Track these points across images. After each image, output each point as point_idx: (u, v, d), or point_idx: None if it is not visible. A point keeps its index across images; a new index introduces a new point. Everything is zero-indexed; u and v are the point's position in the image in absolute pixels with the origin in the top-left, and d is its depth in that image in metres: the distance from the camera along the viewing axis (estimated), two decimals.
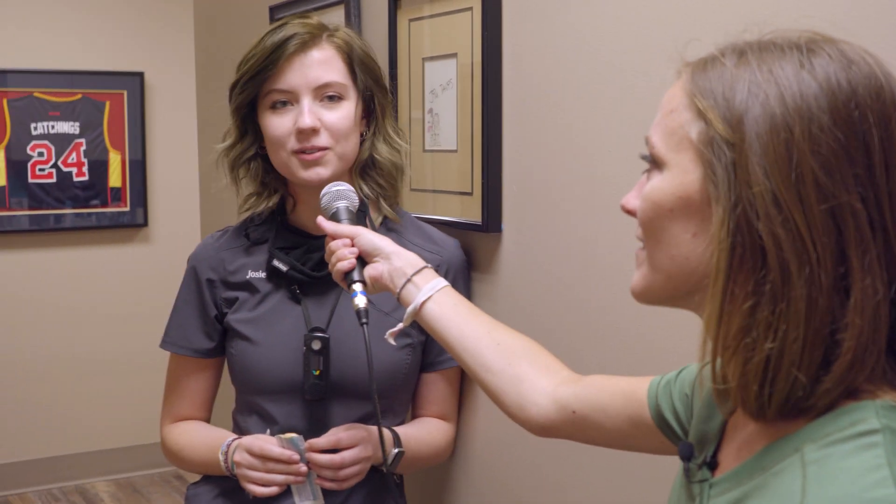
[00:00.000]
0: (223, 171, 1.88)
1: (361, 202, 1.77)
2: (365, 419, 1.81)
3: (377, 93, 1.84)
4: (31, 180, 4.92)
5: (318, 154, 1.76)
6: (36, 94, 4.90)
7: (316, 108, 1.76)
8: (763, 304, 0.82)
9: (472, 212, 1.93)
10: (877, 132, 0.82)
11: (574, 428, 1.30)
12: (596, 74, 1.65)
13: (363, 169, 1.85)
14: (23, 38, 4.92)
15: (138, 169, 5.14)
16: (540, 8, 1.77)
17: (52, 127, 4.95)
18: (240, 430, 1.89)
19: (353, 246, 1.54)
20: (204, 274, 1.90)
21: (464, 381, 1.98)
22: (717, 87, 0.87)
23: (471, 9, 1.90)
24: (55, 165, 4.96)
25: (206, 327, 1.90)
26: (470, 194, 1.94)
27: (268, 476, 1.75)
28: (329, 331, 1.80)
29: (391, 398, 1.87)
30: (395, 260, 1.49)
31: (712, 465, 0.99)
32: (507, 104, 1.86)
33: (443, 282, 1.45)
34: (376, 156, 1.84)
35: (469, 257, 1.96)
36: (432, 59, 2.05)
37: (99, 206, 5.08)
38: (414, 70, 2.11)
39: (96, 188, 5.06)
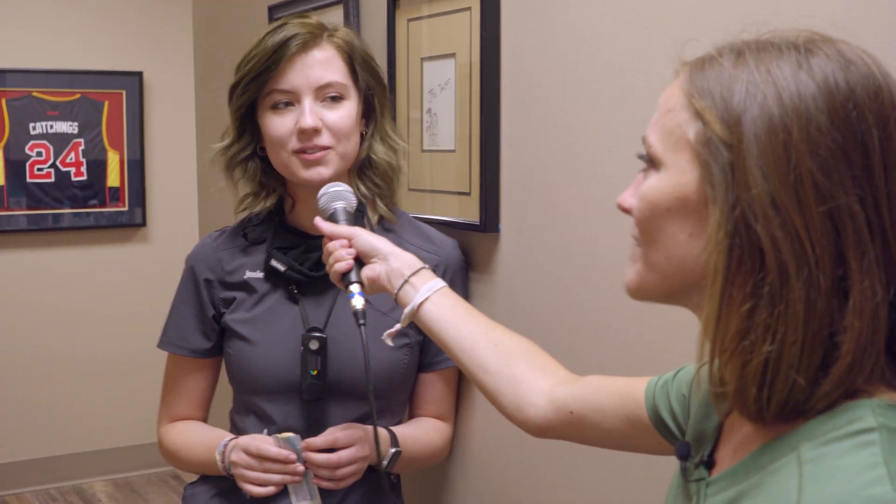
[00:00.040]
0: (220, 172, 1.88)
1: (360, 202, 1.77)
2: (362, 419, 1.81)
3: (377, 92, 1.84)
4: (29, 180, 4.92)
5: (319, 154, 1.76)
6: (34, 94, 4.90)
7: (317, 109, 1.76)
8: (761, 307, 0.82)
9: (470, 212, 1.93)
10: (875, 132, 0.82)
11: (571, 428, 1.30)
12: (594, 74, 1.65)
13: (361, 169, 1.85)
14: (21, 38, 4.92)
15: (137, 169, 5.14)
16: (539, 8, 1.77)
17: (51, 126, 4.95)
18: (237, 430, 1.89)
19: (350, 247, 1.54)
20: (202, 274, 1.89)
21: (461, 382, 1.98)
22: (714, 88, 0.86)
23: (469, 9, 1.90)
24: (53, 165, 4.96)
25: (204, 327, 1.90)
26: (468, 194, 1.94)
27: (265, 476, 1.75)
28: (327, 331, 1.80)
29: (389, 398, 1.87)
30: (393, 261, 1.49)
31: (709, 464, 0.99)
32: (506, 104, 1.86)
33: (440, 282, 1.45)
34: (373, 155, 1.84)
35: (467, 257, 1.96)
36: (431, 58, 2.05)
37: (97, 206, 5.07)
38: (412, 70, 2.11)
39: (95, 188, 5.05)
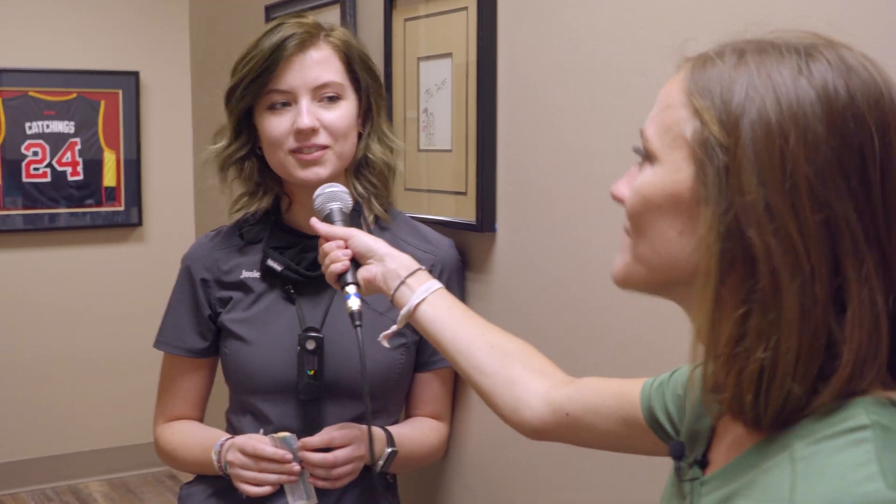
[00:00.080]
0: (212, 172, 1.87)
1: (356, 202, 1.77)
2: (359, 419, 1.81)
3: (373, 92, 1.84)
4: (25, 179, 4.91)
5: (317, 154, 1.76)
6: (31, 94, 4.89)
7: (314, 109, 1.76)
8: (754, 313, 0.82)
9: (466, 211, 1.93)
10: (875, 142, 0.81)
11: (567, 430, 1.30)
12: (591, 74, 1.65)
13: (357, 168, 1.85)
14: (18, 38, 4.91)
15: (133, 168, 5.13)
16: (535, 8, 1.77)
17: (47, 126, 4.94)
18: (233, 430, 1.89)
19: (346, 248, 1.54)
20: (198, 273, 1.89)
21: (458, 381, 1.98)
22: (714, 88, 0.86)
23: (466, 9, 1.90)
24: (50, 165, 4.95)
25: (200, 327, 1.90)
26: (464, 194, 1.94)
27: (261, 475, 1.75)
28: (323, 331, 1.80)
29: (385, 398, 1.87)
30: (389, 262, 1.49)
31: (703, 463, 0.99)
32: (502, 104, 1.86)
33: (437, 284, 1.45)
34: (370, 155, 1.84)
35: (463, 257, 1.96)
36: (427, 58, 2.05)
37: (93, 206, 5.07)
38: (409, 69, 2.11)
39: (91, 187, 5.04)
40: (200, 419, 1.99)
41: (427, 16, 2.04)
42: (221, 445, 1.82)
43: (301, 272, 1.81)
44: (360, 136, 1.84)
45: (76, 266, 5.08)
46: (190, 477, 1.97)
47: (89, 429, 5.13)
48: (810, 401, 0.82)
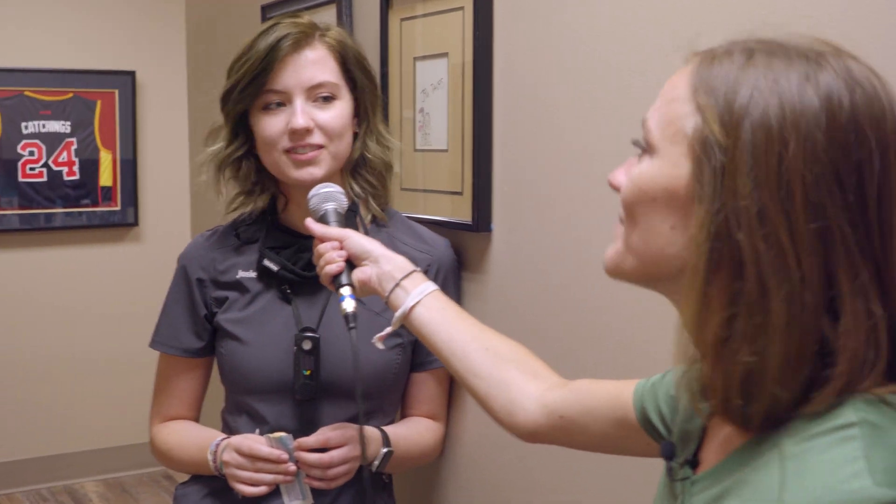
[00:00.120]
0: (207, 171, 1.87)
1: (352, 202, 1.77)
2: (355, 419, 1.81)
3: (369, 92, 1.84)
4: (21, 179, 4.90)
5: (311, 154, 1.76)
6: (27, 93, 4.88)
7: (309, 109, 1.76)
8: (741, 315, 0.82)
9: (462, 211, 1.93)
10: (874, 158, 0.81)
11: (562, 433, 1.29)
12: (587, 74, 1.65)
13: (354, 168, 1.85)
14: (14, 37, 4.90)
15: (129, 168, 5.12)
16: (531, 8, 1.77)
17: (43, 126, 4.93)
18: (229, 430, 1.88)
19: (341, 249, 1.53)
20: (194, 273, 1.89)
21: (453, 381, 1.98)
22: (720, 86, 0.85)
23: (462, 8, 1.90)
24: (46, 164, 4.94)
25: (196, 327, 1.90)
26: (460, 194, 1.94)
27: (257, 475, 1.75)
28: (319, 331, 1.80)
29: (381, 398, 1.87)
30: (384, 263, 1.48)
31: (694, 463, 0.99)
32: (498, 104, 1.86)
33: (432, 286, 1.45)
34: (368, 155, 1.84)
35: (459, 257, 1.96)
36: (423, 58, 2.05)
37: (89, 206, 5.06)
38: (405, 69, 2.11)
39: (87, 187, 5.04)
40: (196, 419, 1.98)
41: (423, 15, 2.04)
42: (217, 445, 1.82)
43: (297, 272, 1.81)
44: (355, 135, 1.84)
45: (72, 266, 5.08)
46: (185, 477, 1.97)
47: (85, 429, 5.12)
48: (802, 405, 0.82)
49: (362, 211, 1.86)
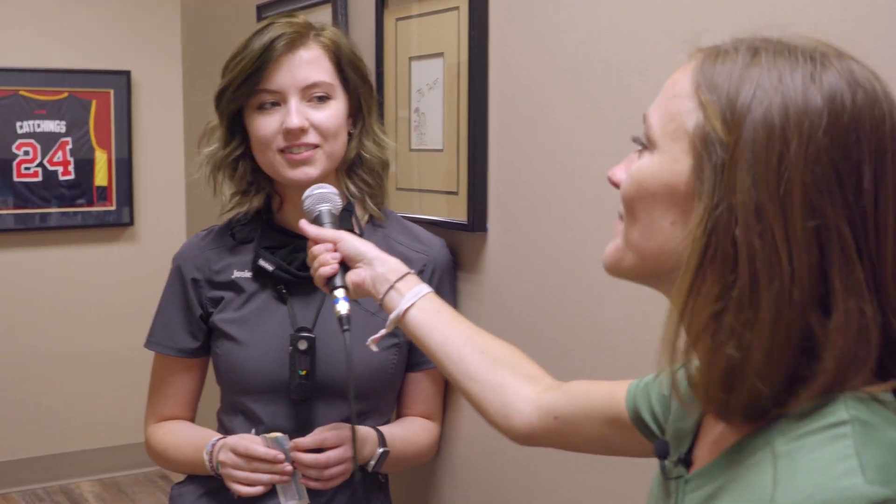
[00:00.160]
0: (202, 172, 1.87)
1: (347, 202, 1.77)
2: (350, 419, 1.81)
3: (364, 91, 1.84)
4: (16, 179, 4.90)
5: (306, 154, 1.75)
6: (22, 93, 4.88)
7: (303, 108, 1.76)
8: (730, 310, 0.82)
9: (457, 211, 1.93)
10: (871, 163, 0.81)
11: (556, 435, 1.29)
12: (583, 74, 1.65)
13: (350, 167, 1.85)
14: (9, 37, 4.90)
15: (124, 168, 5.12)
16: (527, 8, 1.77)
17: (38, 125, 4.93)
18: (225, 430, 1.88)
19: (335, 251, 1.53)
20: (189, 273, 1.89)
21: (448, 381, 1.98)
22: (723, 83, 0.86)
23: (457, 8, 1.90)
24: (41, 164, 4.94)
25: (191, 327, 1.90)
26: (456, 194, 1.94)
27: (253, 476, 1.75)
28: (315, 331, 1.80)
29: (377, 398, 1.87)
30: (378, 266, 1.47)
31: (687, 461, 0.99)
32: (493, 104, 1.86)
33: (426, 288, 1.44)
34: (364, 154, 1.84)
35: (455, 257, 1.96)
36: (419, 58, 2.05)
37: (85, 205, 5.06)
38: (400, 69, 2.11)
39: (82, 187, 5.04)
40: (192, 419, 1.98)
41: (419, 15, 2.04)
42: (213, 445, 1.82)
43: (293, 272, 1.81)
44: (350, 135, 1.84)
45: (67, 266, 5.08)
46: (181, 477, 1.97)
47: (81, 428, 5.12)
48: (786, 401, 0.82)
49: (358, 211, 1.86)
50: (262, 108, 1.77)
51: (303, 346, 1.77)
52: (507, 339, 1.71)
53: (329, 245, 1.53)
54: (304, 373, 1.78)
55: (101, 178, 5.08)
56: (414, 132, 2.07)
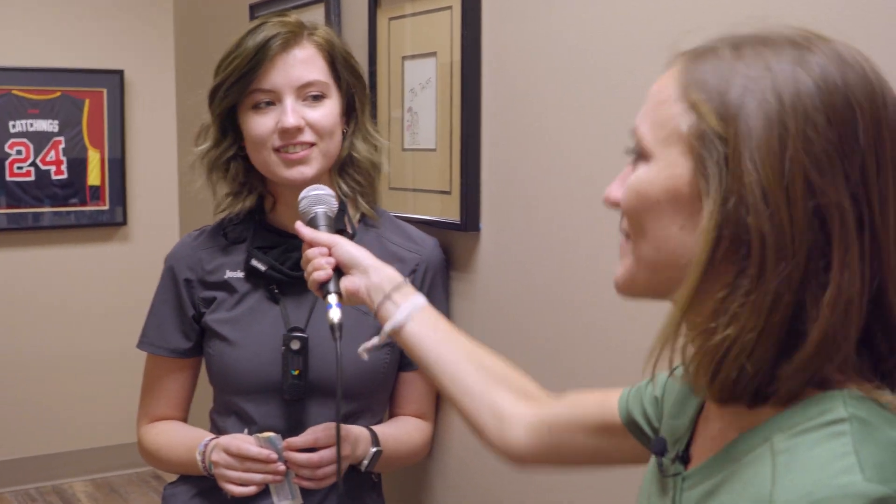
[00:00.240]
0: (199, 173, 1.86)
1: (340, 201, 1.77)
2: (344, 419, 1.81)
3: (357, 91, 1.84)
4: (8, 178, 4.89)
5: (302, 153, 1.75)
6: (14, 92, 4.87)
7: (299, 108, 1.76)
8: (737, 296, 0.82)
9: (450, 211, 1.93)
10: (869, 133, 0.82)
11: (550, 450, 1.27)
12: (576, 74, 1.65)
13: (342, 167, 1.85)
14: (1, 36, 4.89)
15: (117, 167, 5.12)
16: (519, 8, 1.77)
17: (31, 125, 4.92)
18: (217, 430, 1.88)
19: (329, 255, 1.50)
20: (181, 273, 1.89)
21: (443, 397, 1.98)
22: (711, 81, 0.86)
23: (450, 8, 1.90)
24: (33, 163, 4.93)
25: (184, 327, 1.89)
26: (448, 193, 1.94)
27: (246, 475, 1.75)
28: (308, 331, 1.79)
29: (370, 397, 1.86)
30: (373, 275, 1.45)
31: (685, 459, 0.99)
32: (486, 103, 1.86)
33: (421, 299, 1.42)
34: (354, 153, 1.84)
35: (448, 256, 1.97)
36: (412, 57, 2.05)
37: (78, 205, 5.05)
38: (393, 69, 2.11)
39: (75, 186, 5.03)
40: (184, 419, 1.98)
41: (411, 15, 2.04)
42: (206, 445, 1.81)
43: (285, 272, 1.81)
44: (343, 134, 1.84)
45: (60, 265, 5.07)
46: (174, 477, 1.96)
47: (73, 428, 5.11)
48: (773, 377, 0.83)
49: (350, 210, 1.85)
50: (256, 107, 1.77)
51: (295, 346, 1.77)
52: (499, 338, 1.71)
53: (324, 249, 1.51)
54: (296, 373, 1.77)
55: (94, 177, 5.08)
56: (407, 132, 2.07)
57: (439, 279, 1.91)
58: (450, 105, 1.92)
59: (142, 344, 1.94)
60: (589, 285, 1.63)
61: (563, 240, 1.70)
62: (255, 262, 1.82)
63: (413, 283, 1.82)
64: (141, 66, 5.13)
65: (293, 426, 1.79)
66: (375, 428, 1.85)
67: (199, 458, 1.81)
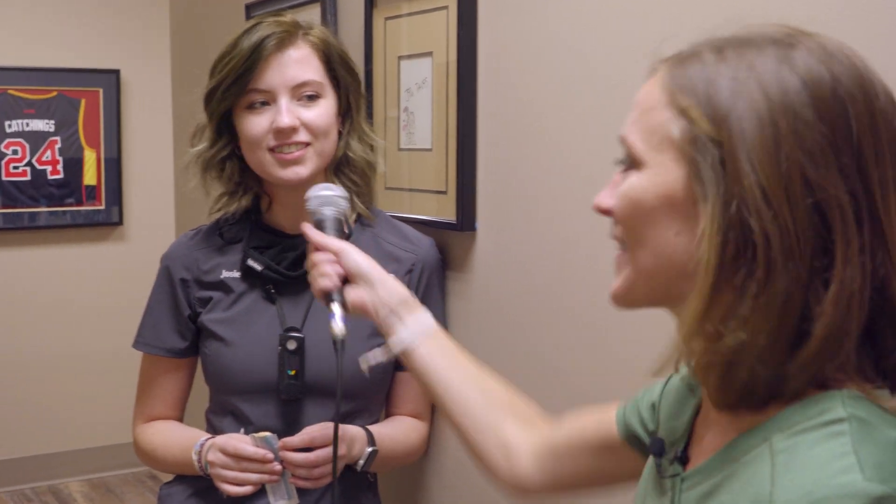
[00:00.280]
0: (194, 173, 1.86)
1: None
2: (340, 418, 1.80)
3: (353, 91, 1.84)
4: (4, 178, 4.88)
5: (297, 153, 1.75)
6: (10, 92, 4.86)
7: (294, 107, 1.76)
8: (746, 298, 0.82)
9: (446, 210, 1.93)
10: (863, 123, 0.82)
11: (557, 478, 1.25)
12: (572, 73, 1.65)
13: (338, 167, 1.84)
14: None
15: (113, 167, 5.11)
16: (515, 7, 1.77)
17: (27, 124, 4.91)
18: (213, 430, 1.88)
19: (336, 262, 1.46)
20: (177, 273, 1.88)
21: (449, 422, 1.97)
22: (698, 85, 0.86)
23: (446, 8, 1.90)
24: (30, 163, 4.93)
25: (180, 327, 1.89)
26: (445, 193, 1.94)
27: (242, 475, 1.75)
28: (304, 330, 1.79)
29: (366, 397, 1.86)
30: (380, 289, 1.41)
31: (683, 459, 0.99)
32: (482, 103, 1.86)
33: (428, 318, 1.39)
34: (350, 153, 1.84)
35: (444, 256, 1.97)
36: (408, 57, 2.05)
37: (74, 205, 5.05)
38: (389, 68, 2.11)
39: (71, 186, 5.02)
40: (180, 419, 1.98)
41: (408, 14, 2.04)
42: (202, 445, 1.81)
43: (282, 272, 1.81)
44: (339, 134, 1.84)
45: (56, 265, 5.06)
46: (170, 477, 1.96)
47: (69, 428, 5.11)
48: (779, 378, 0.83)
49: (347, 211, 1.85)
50: (251, 107, 1.77)
51: (292, 346, 1.77)
52: (495, 338, 1.71)
53: (331, 256, 1.46)
54: (293, 373, 1.77)
55: (90, 177, 5.07)
56: (403, 131, 2.07)
57: (435, 279, 1.91)
58: (446, 105, 1.92)
59: (137, 344, 1.94)
60: (585, 285, 1.63)
61: (560, 239, 1.70)
62: (251, 262, 1.82)
63: (409, 283, 1.83)
64: (137, 66, 5.13)
65: (289, 426, 1.79)
66: (371, 428, 1.84)
67: (195, 457, 1.81)
